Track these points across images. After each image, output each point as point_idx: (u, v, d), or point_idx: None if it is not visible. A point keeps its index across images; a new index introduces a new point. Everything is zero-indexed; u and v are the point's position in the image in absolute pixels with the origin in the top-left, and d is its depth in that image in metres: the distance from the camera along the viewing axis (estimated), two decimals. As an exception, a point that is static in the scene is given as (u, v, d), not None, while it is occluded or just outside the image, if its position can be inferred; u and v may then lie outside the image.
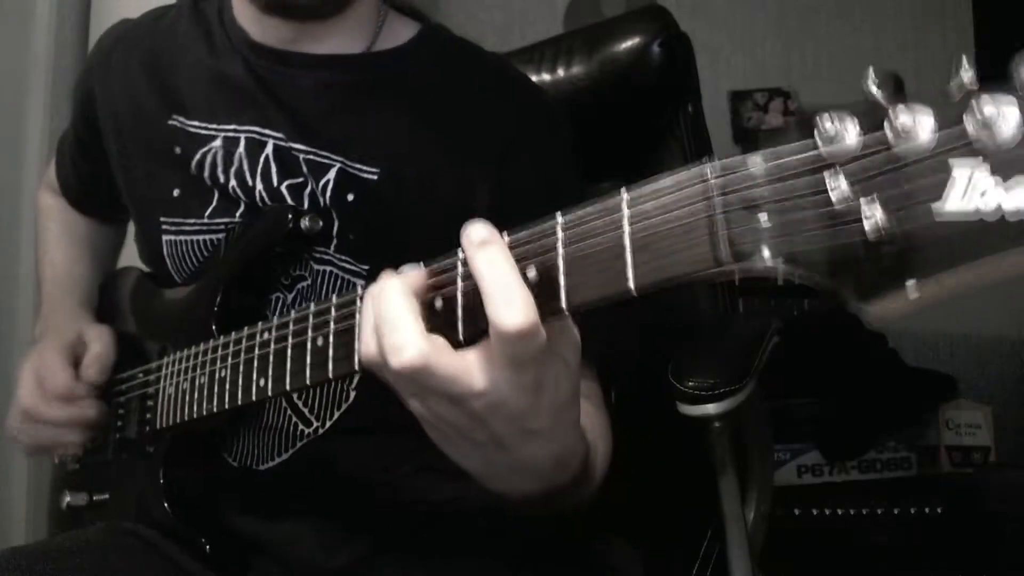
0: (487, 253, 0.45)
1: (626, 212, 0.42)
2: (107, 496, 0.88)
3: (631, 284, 0.41)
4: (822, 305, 2.42)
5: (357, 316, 0.55)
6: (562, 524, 0.75)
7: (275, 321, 0.65)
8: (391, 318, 0.47)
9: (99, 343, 0.87)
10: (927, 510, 1.88)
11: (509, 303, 0.43)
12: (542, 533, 0.75)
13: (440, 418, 0.50)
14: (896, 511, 1.89)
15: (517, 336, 0.43)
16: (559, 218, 0.45)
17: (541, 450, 0.52)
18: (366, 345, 0.49)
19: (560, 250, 0.44)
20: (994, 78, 0.33)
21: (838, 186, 0.34)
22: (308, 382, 0.59)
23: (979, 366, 2.50)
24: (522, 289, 0.44)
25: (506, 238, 0.47)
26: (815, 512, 1.91)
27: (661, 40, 1.10)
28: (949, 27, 2.70)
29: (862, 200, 0.34)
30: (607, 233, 0.42)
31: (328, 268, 0.78)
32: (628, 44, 1.12)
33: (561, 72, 1.15)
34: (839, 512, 1.91)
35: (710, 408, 0.82)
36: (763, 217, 0.37)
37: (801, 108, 2.75)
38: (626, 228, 0.42)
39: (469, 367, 0.46)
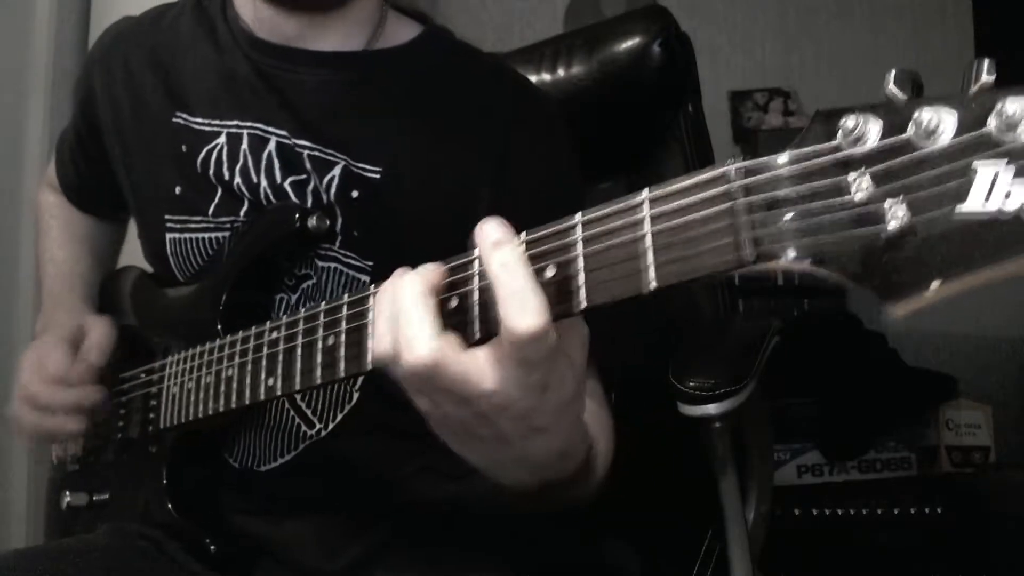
0: (500, 255, 0.45)
1: (647, 212, 0.42)
2: (107, 497, 0.88)
3: (652, 284, 0.41)
4: (822, 305, 2.42)
5: (370, 314, 0.55)
6: (562, 524, 0.75)
7: (284, 320, 0.65)
8: (407, 314, 0.47)
9: (98, 330, 0.87)
10: (927, 510, 1.88)
11: (522, 307, 0.43)
12: (543, 533, 0.75)
13: (447, 416, 0.50)
14: (896, 511, 1.89)
15: (529, 339, 0.43)
16: (578, 217, 0.45)
17: (544, 445, 0.52)
18: (380, 340, 0.49)
19: (580, 249, 0.45)
20: (999, 78, 0.33)
21: (863, 186, 0.35)
22: (318, 381, 0.59)
23: (979, 366, 2.49)
24: (535, 292, 0.44)
25: (524, 237, 0.47)
26: (815, 512, 1.91)
27: (661, 40, 1.10)
28: (949, 27, 2.70)
29: (887, 201, 0.34)
30: (627, 233, 0.43)
31: (333, 265, 0.78)
32: (628, 44, 1.12)
33: (561, 72, 1.15)
34: (839, 512, 1.91)
35: (711, 408, 0.83)
36: (788, 216, 0.37)
37: (801, 108, 2.75)
38: (647, 228, 0.42)
39: (479, 366, 0.46)
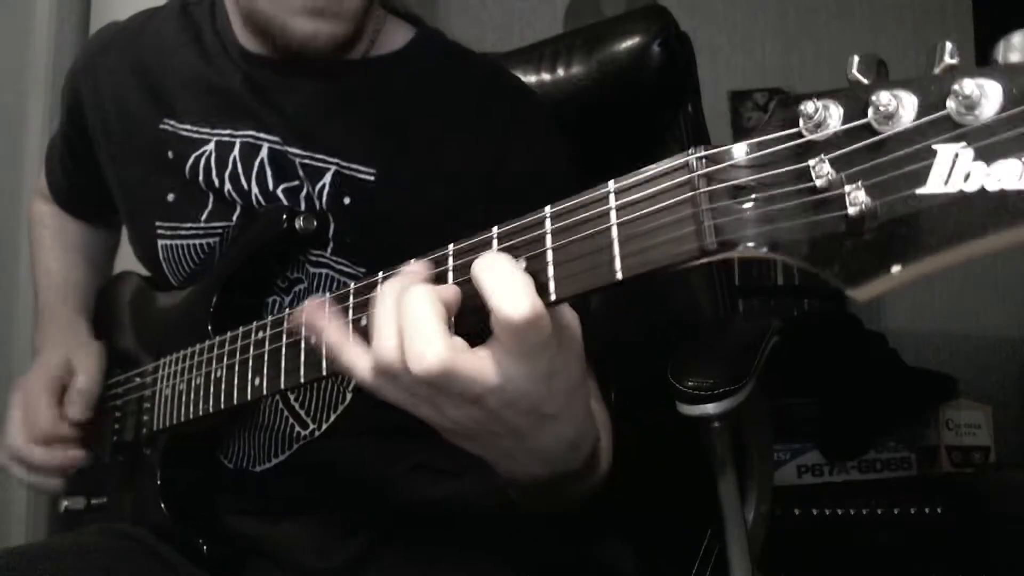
0: (480, 260, 0.45)
1: (613, 203, 0.42)
2: (105, 499, 0.88)
3: (618, 275, 0.42)
4: (822, 305, 2.42)
5: (350, 313, 0.55)
6: (559, 523, 0.75)
7: (269, 320, 0.65)
8: (418, 323, 0.46)
9: (85, 374, 0.88)
10: (927, 510, 1.88)
11: (512, 295, 0.43)
12: (539, 532, 0.75)
13: (455, 421, 0.50)
14: (896, 511, 1.89)
15: (526, 325, 0.44)
16: (547, 211, 0.46)
17: (555, 434, 0.52)
18: (385, 347, 0.47)
19: (549, 242, 0.45)
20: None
21: (823, 172, 0.35)
22: (302, 380, 0.60)
23: (979, 366, 2.49)
24: (521, 279, 0.44)
25: (496, 231, 0.48)
26: (815, 512, 1.91)
27: (661, 40, 1.10)
28: (949, 27, 2.70)
29: (847, 186, 0.34)
30: (594, 225, 0.43)
31: (324, 271, 0.78)
32: (628, 44, 1.12)
33: (561, 72, 1.15)
34: (839, 512, 1.91)
35: (710, 408, 0.82)
36: (748, 205, 0.37)
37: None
38: (613, 219, 0.42)
39: (486, 364, 0.46)
